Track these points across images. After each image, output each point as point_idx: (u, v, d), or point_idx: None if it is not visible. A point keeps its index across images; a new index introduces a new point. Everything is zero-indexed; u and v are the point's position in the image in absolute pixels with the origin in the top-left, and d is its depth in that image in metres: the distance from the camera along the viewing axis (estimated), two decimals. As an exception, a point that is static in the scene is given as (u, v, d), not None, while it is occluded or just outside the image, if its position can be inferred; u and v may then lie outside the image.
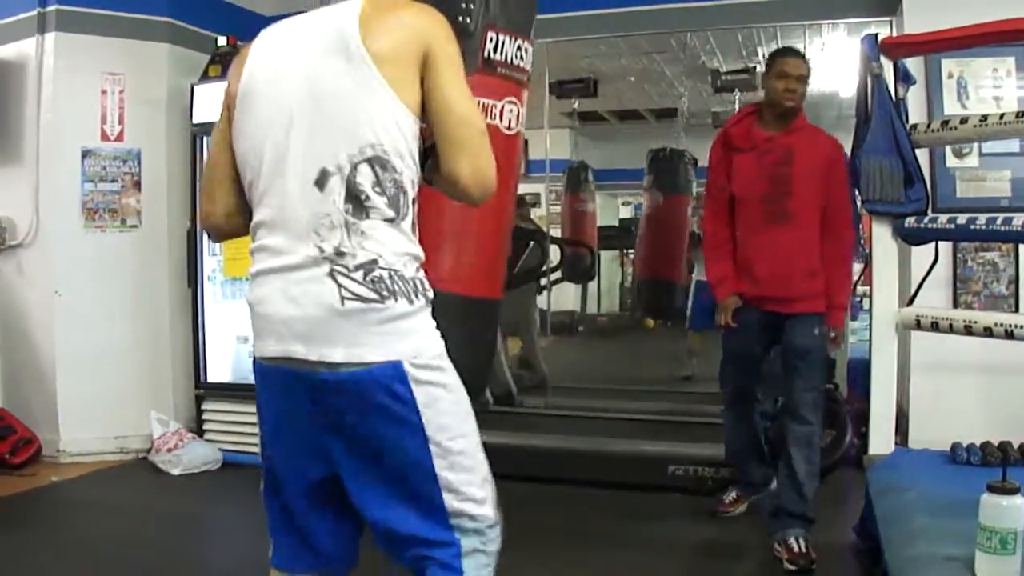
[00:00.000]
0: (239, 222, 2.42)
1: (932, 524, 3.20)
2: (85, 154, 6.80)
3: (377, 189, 2.12)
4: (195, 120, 6.87)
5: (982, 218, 4.20)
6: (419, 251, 2.22)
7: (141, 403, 6.78)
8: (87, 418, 6.72)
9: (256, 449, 6.26)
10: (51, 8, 6.77)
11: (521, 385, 7.73)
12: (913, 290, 4.73)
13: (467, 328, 3.67)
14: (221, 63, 6.89)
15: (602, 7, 6.85)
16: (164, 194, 7.05)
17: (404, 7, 2.26)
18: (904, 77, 4.98)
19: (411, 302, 2.13)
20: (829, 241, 4.57)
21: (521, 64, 4.02)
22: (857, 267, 6.25)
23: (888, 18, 6.35)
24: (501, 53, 3.92)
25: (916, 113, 5.46)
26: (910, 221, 4.42)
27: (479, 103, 3.04)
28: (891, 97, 4.71)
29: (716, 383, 5.38)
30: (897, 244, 4.57)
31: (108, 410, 6.77)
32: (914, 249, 4.97)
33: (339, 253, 2.09)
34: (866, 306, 6.63)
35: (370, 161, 2.11)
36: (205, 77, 6.95)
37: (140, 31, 6.97)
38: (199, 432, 6.80)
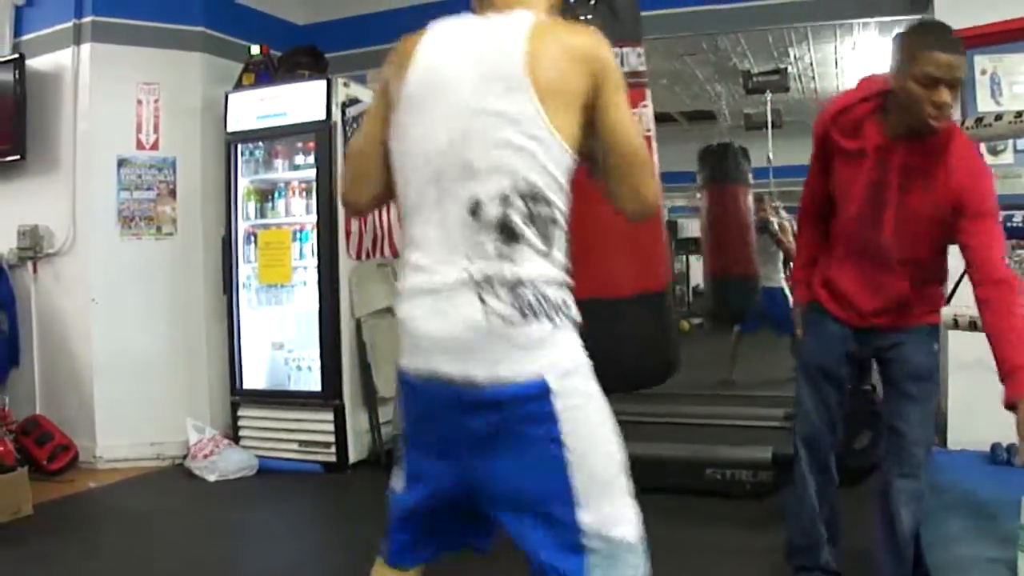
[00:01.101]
0: (380, 202, 2.48)
1: (973, 525, 3.16)
2: (121, 163, 6.86)
3: (529, 222, 2.12)
4: (229, 128, 6.93)
5: (1018, 215, 4.14)
6: (567, 278, 2.20)
7: (177, 410, 6.81)
8: (123, 424, 6.75)
9: (291, 455, 6.33)
10: (87, 19, 6.87)
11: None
12: (950, 290, 4.66)
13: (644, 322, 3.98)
14: (254, 71, 6.99)
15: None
16: (199, 202, 7.10)
17: (572, 31, 2.23)
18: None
19: (553, 322, 2.11)
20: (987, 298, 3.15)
21: (643, 68, 4.23)
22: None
23: (919, 15, 6.28)
24: (627, 65, 4.11)
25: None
26: (945, 219, 4.31)
27: None
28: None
29: (756, 387, 5.18)
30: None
31: (144, 416, 6.80)
32: (951, 248, 4.91)
33: (487, 276, 2.09)
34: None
35: (524, 195, 2.11)
36: (239, 86, 7.04)
37: (174, 41, 7.05)
38: (235, 438, 6.81)
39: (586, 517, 2.11)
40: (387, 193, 2.41)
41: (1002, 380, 2.95)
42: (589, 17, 4.14)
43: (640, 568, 2.17)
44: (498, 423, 2.10)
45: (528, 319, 2.07)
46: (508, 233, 2.10)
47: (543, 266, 2.13)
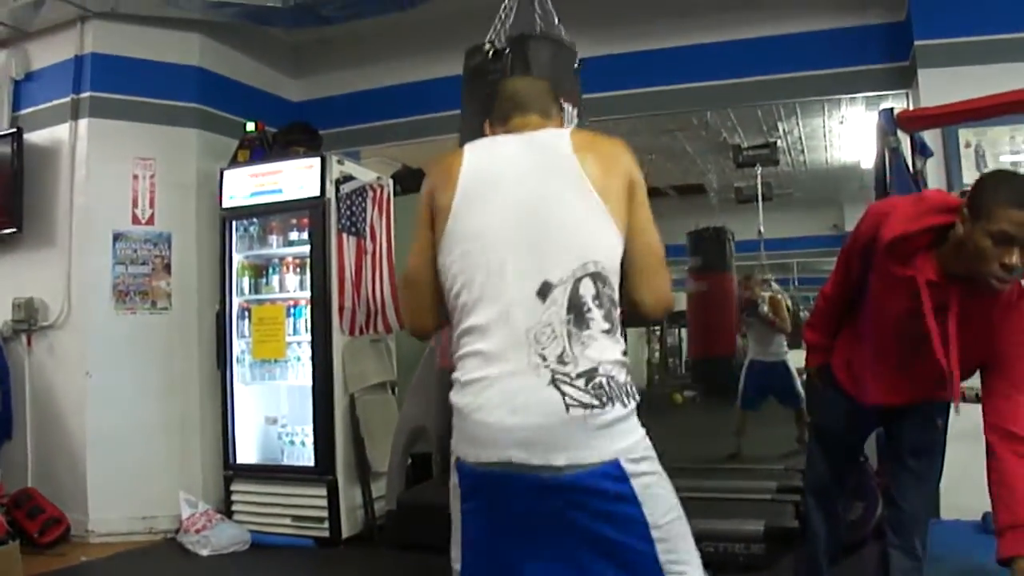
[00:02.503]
0: (445, 322, 2.56)
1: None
2: (116, 237, 6.91)
3: (596, 302, 2.27)
4: (224, 204, 7.00)
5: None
6: (627, 359, 2.34)
7: (170, 484, 6.80)
8: (116, 498, 6.73)
9: (284, 530, 6.31)
10: (84, 95, 6.98)
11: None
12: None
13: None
14: (249, 148, 7.07)
15: (623, 88, 6.93)
16: (194, 277, 7.16)
17: (608, 142, 2.50)
18: (922, 149, 5.03)
19: (625, 405, 2.24)
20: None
21: None
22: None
23: (904, 91, 6.42)
24: None
25: (935, 184, 5.52)
26: (935, 292, 4.33)
27: None
28: (908, 169, 4.74)
29: (754, 460, 5.16)
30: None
31: (137, 490, 6.79)
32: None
33: (561, 361, 2.21)
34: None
35: (591, 276, 2.28)
36: (234, 162, 7.13)
37: (170, 117, 7.16)
38: (228, 513, 6.79)
39: None
40: (446, 310, 2.51)
41: (996, 535, 2.97)
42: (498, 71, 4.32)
43: None
44: (580, 503, 2.21)
45: (604, 405, 2.20)
46: (577, 313, 2.25)
47: (610, 348, 2.28)
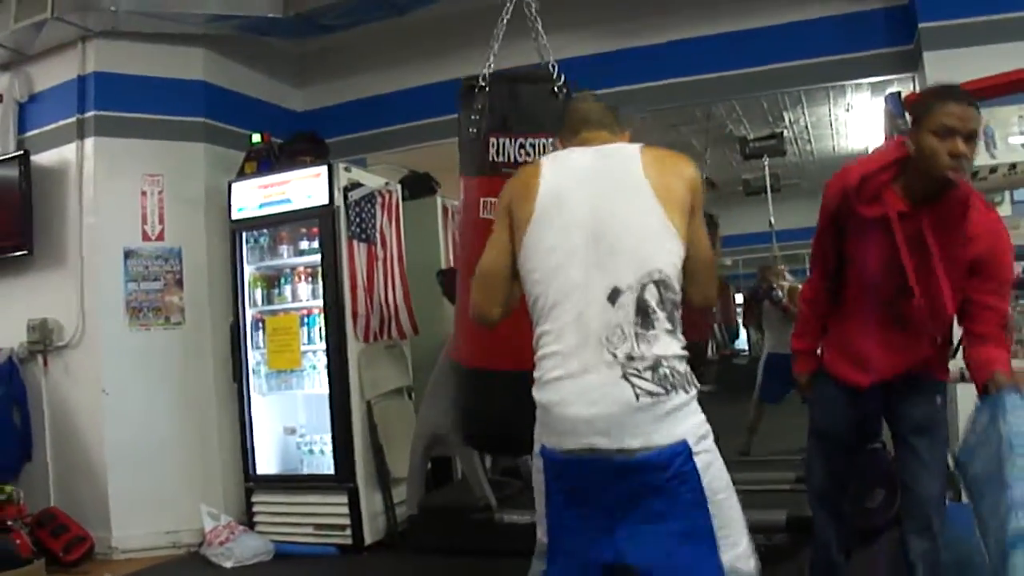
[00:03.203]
0: (508, 312, 2.96)
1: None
2: (127, 254, 6.94)
3: (660, 305, 2.61)
4: (233, 217, 7.02)
5: (1017, 267, 4.16)
6: (686, 352, 2.66)
7: (191, 497, 6.82)
8: (138, 514, 6.75)
9: (307, 539, 6.32)
10: (89, 114, 7.01)
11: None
12: (955, 344, 4.67)
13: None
14: (256, 159, 7.09)
15: (625, 84, 6.90)
16: (206, 290, 7.18)
17: (675, 158, 2.84)
18: (930, 132, 5.00)
19: (687, 392, 2.58)
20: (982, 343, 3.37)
21: (527, 159, 4.30)
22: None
23: (911, 74, 6.38)
24: (503, 154, 4.38)
25: (945, 166, 5.49)
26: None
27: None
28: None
29: (774, 451, 5.13)
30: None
31: (159, 505, 6.81)
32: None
33: (630, 357, 2.55)
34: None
35: (656, 283, 2.61)
36: (241, 174, 7.15)
37: (176, 132, 7.18)
38: (250, 524, 6.80)
39: (725, 557, 2.61)
40: (512, 302, 2.93)
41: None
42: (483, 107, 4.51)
43: None
44: (650, 480, 2.55)
45: (669, 393, 2.54)
46: (643, 315, 2.58)
47: (673, 344, 2.62)
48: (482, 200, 4.36)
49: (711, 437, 2.65)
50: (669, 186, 2.70)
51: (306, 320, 6.81)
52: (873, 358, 3.54)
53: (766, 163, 9.64)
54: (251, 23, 6.93)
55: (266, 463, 6.97)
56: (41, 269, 7.09)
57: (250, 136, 7.26)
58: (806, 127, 9.90)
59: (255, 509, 6.86)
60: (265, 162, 7.13)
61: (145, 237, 7.01)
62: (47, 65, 7.28)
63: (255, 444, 6.94)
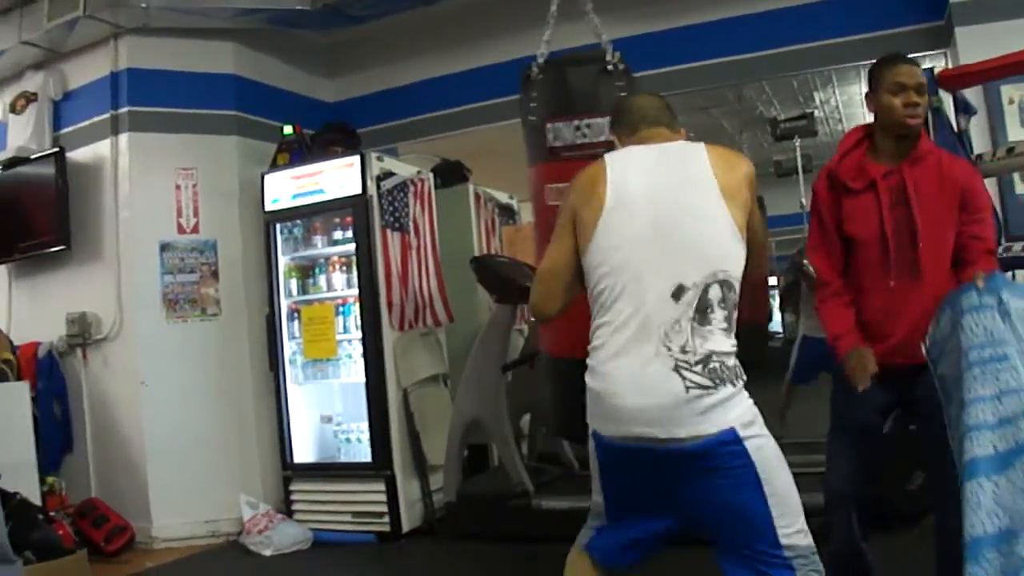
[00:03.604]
0: (566, 309, 3.05)
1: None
2: (163, 247, 7.01)
3: (721, 304, 2.72)
4: (267, 208, 7.07)
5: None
6: (736, 348, 2.76)
7: (230, 487, 6.88)
8: (178, 504, 6.82)
9: (345, 527, 6.36)
10: (123, 110, 7.09)
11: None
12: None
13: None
14: (288, 151, 7.12)
15: (655, 67, 6.87)
16: (241, 281, 7.23)
17: (736, 156, 2.96)
18: (964, 108, 4.97)
19: (735, 385, 2.68)
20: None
21: (587, 141, 4.27)
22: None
23: (942, 50, 6.32)
24: (560, 139, 4.35)
25: (980, 142, 5.45)
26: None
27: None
28: (953, 129, 4.70)
29: (809, 433, 5.04)
30: (974, 276, 4.49)
31: (198, 495, 6.88)
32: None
33: (683, 351, 2.66)
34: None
35: (720, 283, 2.72)
36: (274, 166, 7.18)
37: (209, 126, 7.24)
38: (288, 513, 6.85)
39: (781, 532, 2.70)
40: (571, 298, 3.02)
41: None
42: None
43: (821, 569, 2.79)
44: (700, 467, 2.67)
45: (718, 386, 2.64)
46: (702, 313, 2.69)
47: (725, 341, 2.72)
48: (546, 187, 4.37)
49: (760, 421, 2.74)
50: (733, 184, 2.81)
51: (341, 309, 6.85)
52: (879, 322, 3.61)
53: (797, 144, 9.59)
54: (280, 16, 6.97)
55: (303, 452, 7.01)
56: (79, 264, 7.17)
57: (282, 128, 7.31)
58: (837, 107, 9.82)
59: (293, 497, 6.91)
60: (297, 153, 7.17)
61: (180, 230, 7.08)
62: (80, 63, 7.35)
63: (292, 433, 6.99)
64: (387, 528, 6.47)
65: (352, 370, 6.80)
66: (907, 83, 3.52)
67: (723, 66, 6.97)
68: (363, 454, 6.71)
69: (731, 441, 2.64)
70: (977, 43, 5.59)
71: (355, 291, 6.71)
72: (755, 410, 2.74)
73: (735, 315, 2.77)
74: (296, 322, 7.02)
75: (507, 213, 8.60)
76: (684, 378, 2.62)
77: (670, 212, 2.78)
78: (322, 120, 7.73)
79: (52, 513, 6.06)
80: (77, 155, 7.21)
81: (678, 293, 2.69)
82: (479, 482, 6.81)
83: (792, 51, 6.81)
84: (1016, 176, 5.65)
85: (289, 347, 7.03)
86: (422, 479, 6.64)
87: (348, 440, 6.90)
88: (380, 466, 6.52)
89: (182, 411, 6.91)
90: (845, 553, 3.75)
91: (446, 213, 7.28)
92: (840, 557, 3.70)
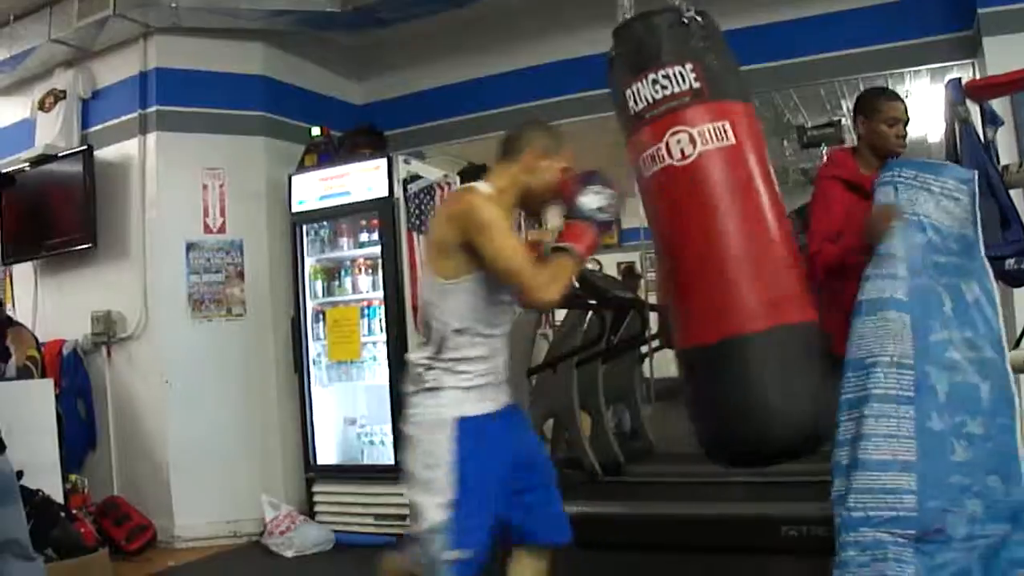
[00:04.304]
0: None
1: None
2: (189, 247, 7.02)
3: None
4: (293, 209, 7.08)
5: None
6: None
7: (252, 487, 6.88)
8: (200, 503, 6.83)
9: (367, 529, 6.35)
10: (151, 109, 7.10)
11: (628, 454, 7.66)
12: (1019, 332, 4.62)
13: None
14: (316, 152, 7.16)
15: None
16: (267, 282, 7.24)
17: (446, 202, 3.57)
18: (991, 119, 4.93)
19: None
20: None
21: (668, 92, 3.68)
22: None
23: (970, 60, 6.31)
24: (641, 100, 3.75)
25: (1006, 153, 5.41)
26: (1010, 263, 4.31)
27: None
28: (980, 140, 4.67)
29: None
30: (999, 287, 4.48)
31: (220, 495, 6.88)
32: (1017, 291, 4.87)
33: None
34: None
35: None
36: (301, 167, 7.20)
37: (236, 126, 7.25)
38: (310, 514, 6.85)
39: None
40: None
41: None
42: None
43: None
44: None
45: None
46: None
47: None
48: (639, 159, 3.81)
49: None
50: (436, 238, 3.29)
51: (366, 311, 6.85)
52: None
53: (824, 152, 9.55)
54: (309, 17, 6.97)
55: (327, 453, 7.01)
56: (105, 262, 7.19)
57: (309, 129, 7.34)
58: (864, 115, 9.81)
59: (316, 499, 6.92)
60: (325, 155, 7.19)
61: (207, 230, 7.09)
62: (109, 62, 7.37)
63: (316, 435, 6.99)
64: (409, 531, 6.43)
65: (376, 372, 6.79)
66: (900, 118, 4.21)
67: (752, 73, 6.90)
68: (386, 457, 6.69)
69: None
70: (1006, 54, 5.58)
71: (380, 293, 6.71)
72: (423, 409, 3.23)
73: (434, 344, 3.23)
74: (321, 324, 7.03)
75: (533, 217, 8.58)
76: None
77: None
78: (350, 122, 7.74)
79: (74, 511, 6.06)
80: (105, 154, 7.23)
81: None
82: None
83: (820, 59, 6.82)
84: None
85: (314, 349, 7.03)
86: (446, 484, 6.60)
87: (371, 442, 6.89)
88: (403, 469, 6.47)
89: (206, 411, 6.91)
90: None
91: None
92: None
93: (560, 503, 3.43)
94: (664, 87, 3.67)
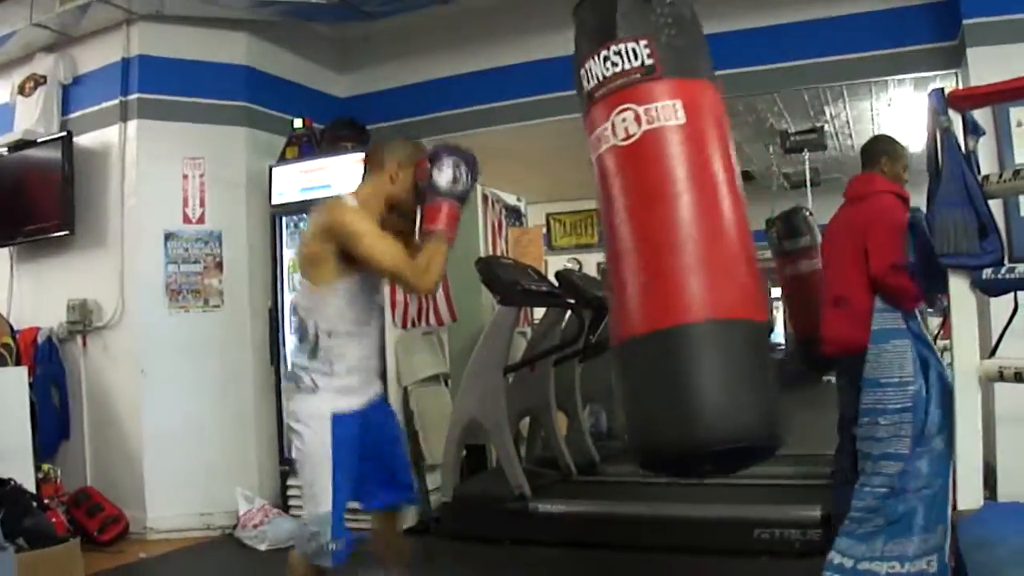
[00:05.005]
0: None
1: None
2: (168, 236, 6.97)
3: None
4: (274, 201, 7.06)
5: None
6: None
7: (226, 479, 6.84)
8: (173, 495, 6.79)
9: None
10: (132, 97, 7.05)
11: (603, 453, 7.67)
12: (994, 341, 4.63)
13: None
14: (297, 144, 7.11)
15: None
16: (245, 274, 7.20)
17: (313, 216, 3.63)
18: (973, 129, 4.94)
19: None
20: None
21: (618, 69, 3.44)
22: (935, 320, 6.23)
23: (953, 70, 6.32)
24: (592, 78, 3.54)
25: (987, 163, 5.43)
26: (987, 272, 4.32)
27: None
28: (961, 149, 4.68)
29: (809, 446, 5.19)
30: (975, 296, 4.49)
31: (194, 487, 6.84)
32: (993, 300, 4.89)
33: None
34: (947, 360, 6.49)
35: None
36: (283, 159, 7.17)
37: (218, 116, 7.21)
38: (284, 508, 6.84)
39: None
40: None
41: None
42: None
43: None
44: None
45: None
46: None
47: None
48: (590, 141, 3.59)
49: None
50: (304, 251, 3.71)
51: (344, 305, 6.78)
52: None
53: (806, 157, 9.57)
54: (294, 8, 6.94)
55: (302, 447, 6.94)
56: (82, 250, 7.14)
57: (291, 121, 7.31)
58: (847, 122, 9.80)
59: (290, 492, 6.88)
60: (306, 147, 7.16)
61: (186, 220, 7.05)
62: (91, 47, 7.32)
63: (291, 428, 6.92)
64: (383, 526, 6.43)
65: (353, 366, 6.73)
66: (907, 164, 5.18)
67: (735, 77, 6.92)
68: (362, 451, 6.64)
69: None
70: (989, 64, 5.59)
71: (359, 287, 6.65)
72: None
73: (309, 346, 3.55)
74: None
75: (514, 215, 8.60)
76: None
77: None
78: (332, 115, 7.70)
79: (46, 501, 6.02)
80: (84, 140, 7.19)
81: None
82: (477, 483, 6.79)
83: (804, 65, 6.82)
84: (1022, 198, 5.66)
85: (291, 341, 6.95)
86: (419, 478, 6.59)
87: (347, 436, 6.83)
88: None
89: (181, 402, 6.87)
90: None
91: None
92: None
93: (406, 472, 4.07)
94: (615, 64, 3.45)
